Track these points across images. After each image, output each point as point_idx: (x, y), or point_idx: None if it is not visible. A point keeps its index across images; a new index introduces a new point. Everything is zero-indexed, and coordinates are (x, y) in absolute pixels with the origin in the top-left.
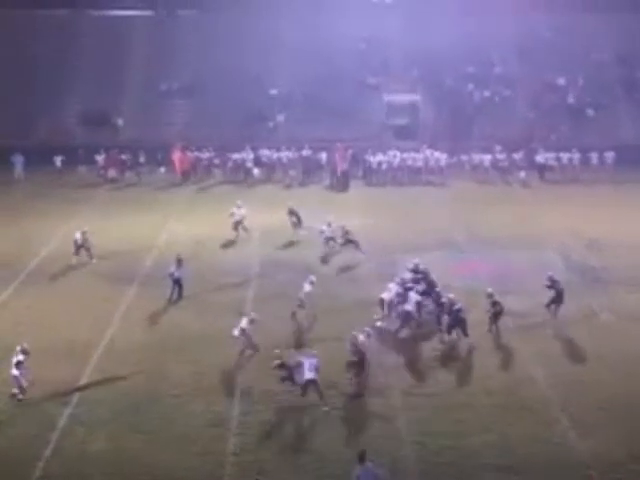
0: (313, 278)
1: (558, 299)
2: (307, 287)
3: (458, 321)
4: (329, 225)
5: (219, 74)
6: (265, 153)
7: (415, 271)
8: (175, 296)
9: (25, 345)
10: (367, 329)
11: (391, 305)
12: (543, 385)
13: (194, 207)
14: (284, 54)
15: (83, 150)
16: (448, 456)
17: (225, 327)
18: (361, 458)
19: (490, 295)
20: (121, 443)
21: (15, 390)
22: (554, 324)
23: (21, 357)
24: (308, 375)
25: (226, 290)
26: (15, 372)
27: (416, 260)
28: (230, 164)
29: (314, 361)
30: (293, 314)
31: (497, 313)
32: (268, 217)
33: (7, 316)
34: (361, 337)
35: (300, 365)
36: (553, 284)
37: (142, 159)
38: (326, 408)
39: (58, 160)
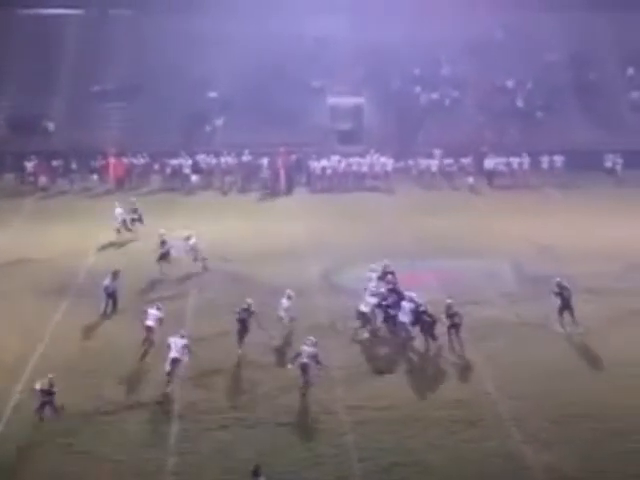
0: (291, 292)
1: (566, 305)
2: (285, 302)
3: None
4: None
5: (156, 76)
6: (203, 159)
7: (384, 274)
8: (109, 309)
9: None
10: (311, 338)
11: (371, 317)
12: (496, 398)
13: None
14: (225, 55)
15: (11, 156)
16: (398, 473)
17: (160, 340)
18: (255, 473)
19: (449, 306)
20: (54, 464)
21: None
22: (514, 334)
23: None
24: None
25: (163, 302)
26: None
27: (385, 261)
28: (168, 170)
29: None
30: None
31: (456, 324)
32: (206, 226)
33: None
34: (305, 347)
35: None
36: (562, 290)
37: (74, 166)
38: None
39: None
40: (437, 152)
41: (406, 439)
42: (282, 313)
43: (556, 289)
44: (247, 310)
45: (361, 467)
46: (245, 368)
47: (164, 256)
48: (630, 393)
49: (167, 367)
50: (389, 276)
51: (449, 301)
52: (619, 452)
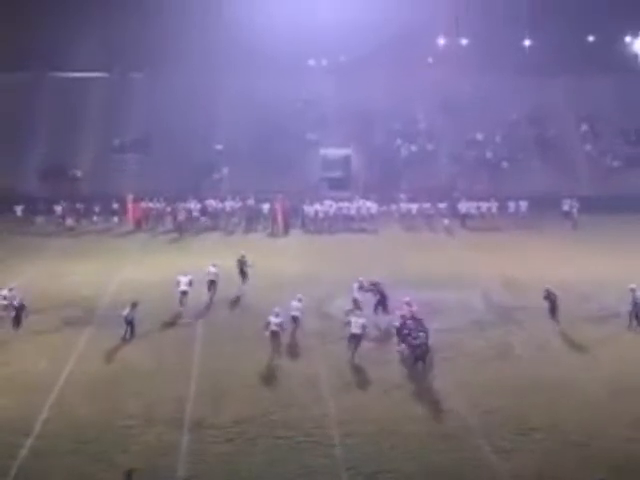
0: (301, 296)
1: (554, 308)
2: (295, 304)
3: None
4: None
5: (169, 130)
6: (211, 203)
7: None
8: (128, 336)
9: None
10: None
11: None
12: (466, 413)
13: (147, 253)
14: (229, 112)
15: (42, 201)
16: None
17: (175, 362)
18: (128, 477)
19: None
20: (83, 472)
21: None
22: (482, 355)
23: None
24: None
25: (176, 329)
26: None
27: (360, 278)
28: (180, 213)
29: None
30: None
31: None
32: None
33: None
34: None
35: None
36: (549, 295)
37: (97, 209)
38: None
39: (19, 209)
40: (413, 197)
41: (387, 450)
42: (295, 313)
43: (544, 294)
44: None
45: (348, 475)
46: (249, 387)
47: (212, 284)
48: (585, 407)
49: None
50: (405, 306)
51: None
52: (575, 460)
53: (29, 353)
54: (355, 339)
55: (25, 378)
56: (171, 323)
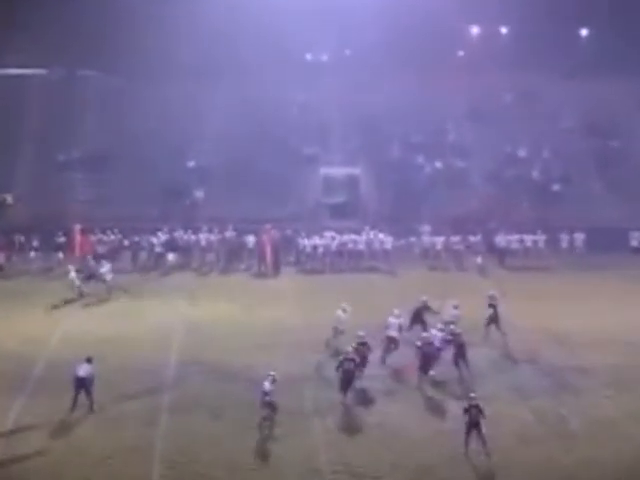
0: (347, 306)
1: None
2: (342, 315)
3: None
4: None
5: (128, 143)
6: (180, 235)
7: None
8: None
9: None
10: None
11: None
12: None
13: (97, 299)
14: (205, 120)
15: None
16: None
17: (135, 443)
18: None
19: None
20: None
21: None
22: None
23: None
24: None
25: (136, 398)
26: None
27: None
28: (140, 248)
29: None
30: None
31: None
32: (182, 312)
33: None
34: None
35: None
36: (492, 301)
37: (35, 242)
38: None
39: None
40: (438, 229)
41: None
42: (340, 326)
43: (489, 301)
44: (352, 360)
45: None
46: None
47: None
48: None
49: None
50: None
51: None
52: None
53: None
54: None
55: None
56: (130, 391)
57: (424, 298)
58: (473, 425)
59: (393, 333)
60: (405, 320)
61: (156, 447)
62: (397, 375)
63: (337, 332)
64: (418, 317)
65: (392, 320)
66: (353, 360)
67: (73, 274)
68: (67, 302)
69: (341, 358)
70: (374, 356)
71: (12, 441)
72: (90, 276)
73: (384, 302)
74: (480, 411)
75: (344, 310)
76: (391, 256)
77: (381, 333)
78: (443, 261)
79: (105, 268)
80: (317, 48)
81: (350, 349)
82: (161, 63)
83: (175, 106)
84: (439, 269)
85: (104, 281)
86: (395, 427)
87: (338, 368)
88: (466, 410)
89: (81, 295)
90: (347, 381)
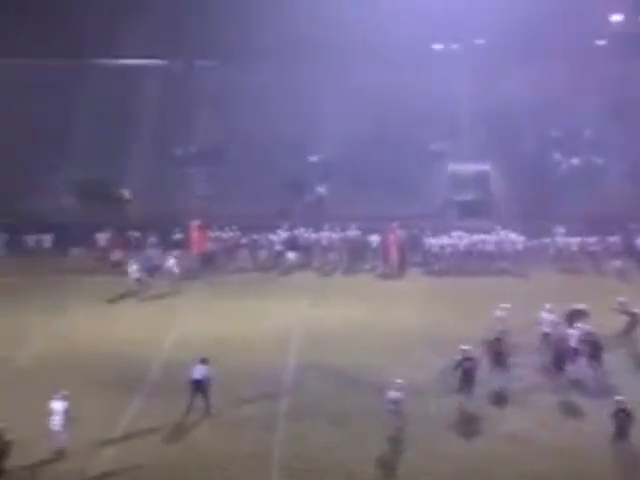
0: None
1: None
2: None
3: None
4: None
5: (247, 137)
6: (302, 233)
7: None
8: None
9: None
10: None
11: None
12: None
13: (213, 299)
14: (328, 114)
15: (79, 228)
16: None
17: (252, 449)
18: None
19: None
20: None
21: None
22: None
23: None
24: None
25: (254, 402)
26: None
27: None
28: (260, 246)
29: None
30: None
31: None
32: (304, 313)
33: None
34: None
35: None
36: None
37: (153, 239)
38: None
39: (47, 240)
40: (560, 229)
41: None
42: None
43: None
44: (471, 359)
45: None
46: None
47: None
48: None
49: None
50: None
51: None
52: None
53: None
54: None
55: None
56: (248, 395)
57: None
58: (621, 430)
59: (547, 329)
60: (557, 316)
61: (274, 453)
62: (531, 376)
63: (501, 333)
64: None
65: (545, 315)
66: (472, 359)
67: (134, 267)
68: (182, 301)
69: (460, 358)
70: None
71: (128, 443)
72: (152, 269)
73: (514, 306)
74: (629, 415)
75: (503, 309)
76: (522, 257)
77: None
78: (578, 263)
79: (171, 262)
80: (446, 37)
81: (468, 348)
82: (282, 53)
83: (296, 99)
84: (574, 272)
85: (170, 274)
86: (530, 436)
87: (457, 367)
88: (614, 415)
89: (140, 286)
90: (467, 381)
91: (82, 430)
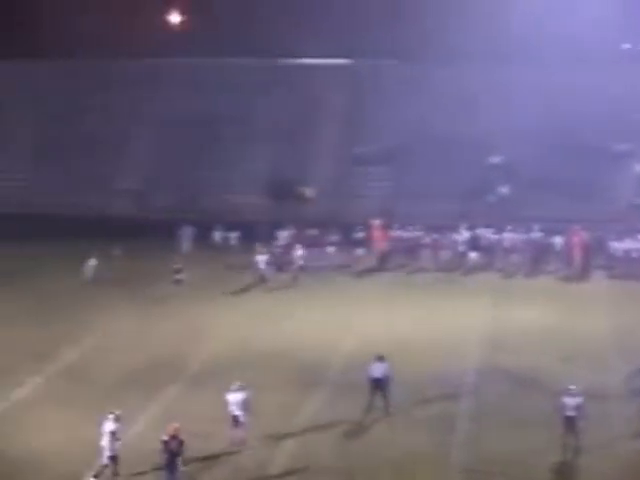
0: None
1: None
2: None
3: None
4: None
5: (428, 136)
6: (484, 234)
7: None
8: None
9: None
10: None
11: None
12: None
13: (394, 298)
14: (509, 114)
15: (263, 225)
16: None
17: (431, 450)
18: None
19: None
20: None
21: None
22: None
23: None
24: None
25: (433, 402)
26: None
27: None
28: (441, 246)
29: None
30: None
31: None
32: (484, 312)
33: (166, 423)
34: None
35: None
36: None
37: (334, 237)
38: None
39: (233, 237)
40: None
41: None
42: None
43: None
44: None
45: None
46: None
47: None
48: None
49: None
50: None
51: None
52: None
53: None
54: None
55: (230, 459)
56: (427, 395)
57: None
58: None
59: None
60: None
61: (452, 455)
62: None
63: None
64: None
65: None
66: None
67: (261, 257)
68: (363, 300)
69: None
70: None
71: (305, 440)
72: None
73: None
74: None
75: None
76: None
77: None
78: None
79: (300, 252)
80: (637, 37)
81: None
82: (465, 53)
83: (478, 99)
84: None
85: (300, 268)
86: None
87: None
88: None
89: (263, 281)
90: None
91: (261, 425)
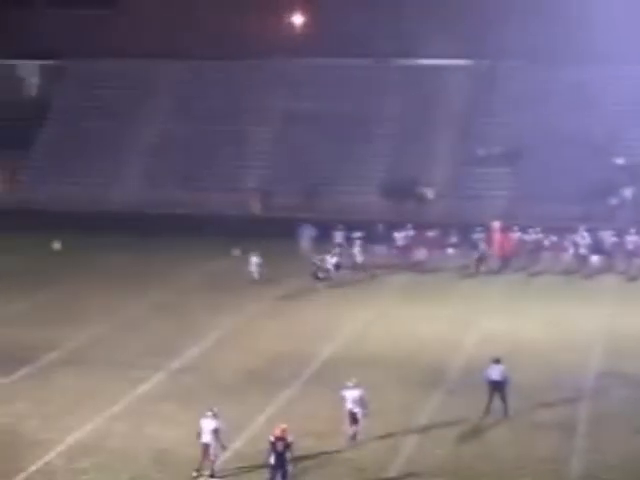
0: None
1: None
2: None
3: None
4: None
5: (551, 137)
6: (605, 237)
7: None
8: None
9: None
10: None
11: None
12: None
13: (514, 301)
14: (635, 115)
15: (382, 225)
16: None
17: (549, 454)
18: None
19: None
20: None
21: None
22: None
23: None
24: None
25: (552, 406)
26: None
27: None
28: (562, 249)
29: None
30: None
31: None
32: (607, 316)
33: (286, 422)
34: None
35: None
36: None
37: (454, 239)
38: None
39: (356, 237)
40: None
41: None
42: None
43: None
44: None
45: None
46: None
47: None
48: None
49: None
50: None
51: None
52: None
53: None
54: None
55: (351, 457)
56: (546, 398)
57: None
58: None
59: None
60: None
61: (572, 461)
62: None
63: None
64: None
65: None
66: None
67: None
68: (483, 302)
69: None
70: None
71: (425, 441)
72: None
73: None
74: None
75: None
76: None
77: None
78: None
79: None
80: None
81: None
82: (588, 51)
83: (600, 98)
84: None
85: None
86: None
87: None
88: None
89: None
90: None
91: (380, 425)
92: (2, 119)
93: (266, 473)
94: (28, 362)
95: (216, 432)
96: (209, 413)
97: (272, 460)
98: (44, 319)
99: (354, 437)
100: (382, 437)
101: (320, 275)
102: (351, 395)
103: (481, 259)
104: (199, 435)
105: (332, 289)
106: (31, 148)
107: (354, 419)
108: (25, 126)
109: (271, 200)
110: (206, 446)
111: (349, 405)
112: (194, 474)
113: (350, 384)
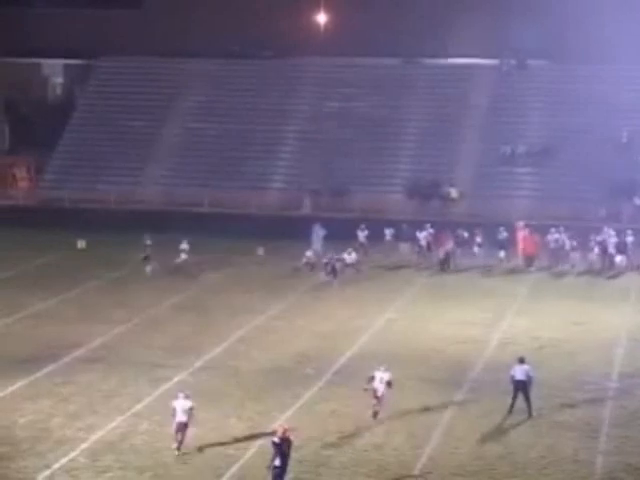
0: None
1: None
2: None
3: None
4: None
5: (576, 136)
6: (630, 236)
7: None
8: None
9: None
10: None
11: None
12: None
13: (539, 300)
14: None
15: (407, 224)
16: None
17: (573, 455)
18: None
19: None
20: None
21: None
22: None
23: None
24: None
25: (576, 407)
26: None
27: None
28: (586, 248)
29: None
30: None
31: None
32: (632, 316)
33: (310, 420)
34: None
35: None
36: None
37: (479, 238)
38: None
39: (362, 235)
40: None
41: None
42: None
43: None
44: None
45: None
46: None
47: None
48: None
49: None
50: None
51: None
52: None
53: (382, 424)
54: None
55: (374, 459)
56: (570, 399)
57: None
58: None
59: None
60: None
61: (596, 462)
62: None
63: None
64: None
65: None
66: None
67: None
68: (506, 301)
69: None
70: None
71: (448, 439)
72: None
73: None
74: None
75: None
76: None
77: None
78: None
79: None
80: None
81: None
82: (615, 50)
83: (624, 96)
84: None
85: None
86: None
87: None
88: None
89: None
90: None
91: (404, 423)
92: (27, 118)
93: (268, 476)
94: (53, 360)
95: (191, 410)
96: (181, 395)
97: (277, 462)
98: (68, 317)
99: (375, 415)
100: (405, 436)
101: (330, 272)
102: (379, 376)
103: (506, 258)
104: (173, 415)
105: (355, 287)
106: (56, 147)
107: (377, 397)
108: (50, 125)
109: (295, 199)
110: (182, 424)
111: (376, 384)
112: (176, 452)
113: (382, 368)
